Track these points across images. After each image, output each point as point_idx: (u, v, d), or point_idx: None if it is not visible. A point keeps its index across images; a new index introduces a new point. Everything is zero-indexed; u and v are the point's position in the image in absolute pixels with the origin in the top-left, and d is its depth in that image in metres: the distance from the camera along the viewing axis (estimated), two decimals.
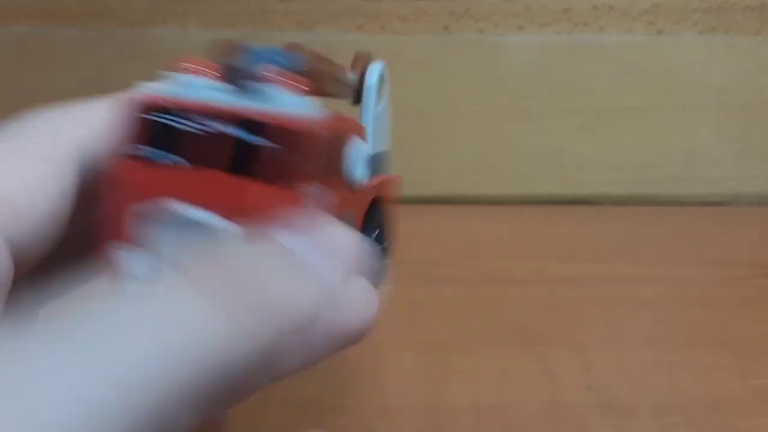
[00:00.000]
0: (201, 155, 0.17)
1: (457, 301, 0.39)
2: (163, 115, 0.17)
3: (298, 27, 0.48)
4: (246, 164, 0.17)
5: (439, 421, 0.30)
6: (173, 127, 0.17)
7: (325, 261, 0.16)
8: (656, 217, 0.50)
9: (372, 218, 0.23)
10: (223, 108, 0.17)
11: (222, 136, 0.17)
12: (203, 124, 0.17)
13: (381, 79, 0.24)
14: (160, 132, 0.17)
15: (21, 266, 0.17)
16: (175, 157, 0.17)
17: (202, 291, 0.14)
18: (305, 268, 0.16)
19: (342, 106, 0.21)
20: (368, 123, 0.23)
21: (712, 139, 0.51)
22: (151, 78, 0.19)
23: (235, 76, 0.18)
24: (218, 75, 0.18)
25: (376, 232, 0.23)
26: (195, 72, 0.18)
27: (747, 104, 0.50)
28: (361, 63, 0.23)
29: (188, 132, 0.17)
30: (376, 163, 0.23)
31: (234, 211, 0.16)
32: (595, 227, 0.49)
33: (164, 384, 0.12)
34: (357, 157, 0.20)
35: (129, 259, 0.17)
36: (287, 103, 0.17)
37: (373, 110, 0.23)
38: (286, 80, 0.18)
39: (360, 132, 0.21)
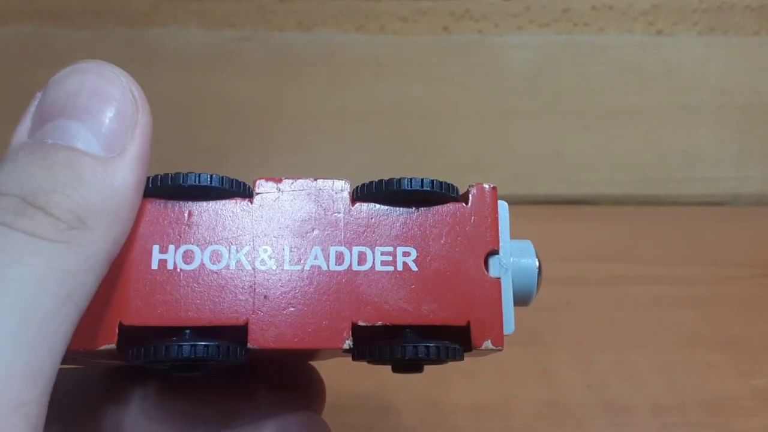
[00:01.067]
0: None
1: None
2: None
3: (298, 27, 0.48)
4: None
5: (439, 419, 0.30)
6: None
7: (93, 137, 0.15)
8: (655, 217, 0.50)
9: None
10: None
11: None
12: None
13: None
14: None
15: None
16: None
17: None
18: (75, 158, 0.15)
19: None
20: None
21: (711, 140, 0.51)
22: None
23: None
24: None
25: None
26: None
27: (746, 104, 0.50)
28: None
29: None
30: None
31: None
32: (594, 227, 0.49)
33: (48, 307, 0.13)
34: None
35: None
36: None
37: None
38: None
39: None
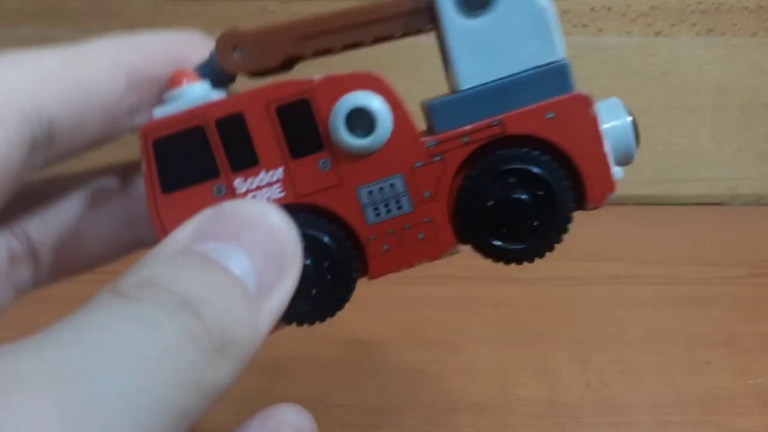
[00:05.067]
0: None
1: (457, 300, 0.39)
2: (162, 138, 0.18)
3: None
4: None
5: (439, 418, 0.30)
6: (175, 144, 0.18)
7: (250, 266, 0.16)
8: (654, 217, 0.50)
9: (489, 170, 0.18)
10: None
11: None
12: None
13: None
14: (167, 153, 0.18)
15: None
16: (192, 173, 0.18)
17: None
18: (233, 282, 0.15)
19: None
20: (450, 45, 0.18)
21: (709, 140, 0.51)
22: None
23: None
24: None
25: (513, 186, 0.18)
26: (183, 82, 0.18)
27: (744, 105, 0.50)
28: None
29: (182, 139, 0.18)
30: (462, 105, 0.18)
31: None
32: (593, 227, 0.49)
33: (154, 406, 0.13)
34: (336, 117, 0.17)
35: None
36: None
37: (455, 25, 0.17)
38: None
39: (363, 83, 0.18)
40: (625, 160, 0.19)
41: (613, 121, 0.19)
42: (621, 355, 0.34)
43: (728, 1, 0.48)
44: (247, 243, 0.16)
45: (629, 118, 0.19)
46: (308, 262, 0.18)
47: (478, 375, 0.33)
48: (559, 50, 0.18)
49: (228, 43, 0.18)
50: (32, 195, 0.20)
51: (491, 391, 0.32)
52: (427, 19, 0.18)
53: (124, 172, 0.22)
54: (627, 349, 0.35)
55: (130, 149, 0.21)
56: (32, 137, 0.17)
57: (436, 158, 0.18)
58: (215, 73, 0.18)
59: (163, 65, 0.19)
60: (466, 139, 0.18)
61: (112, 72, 0.18)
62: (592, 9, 0.48)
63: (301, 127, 0.17)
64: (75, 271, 0.21)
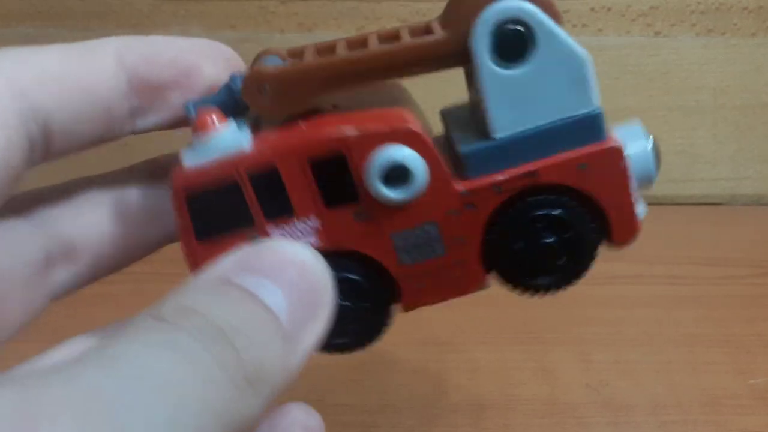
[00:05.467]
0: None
1: (457, 299, 0.39)
2: (195, 194, 0.18)
3: (298, 29, 0.48)
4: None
5: (439, 418, 0.30)
6: (209, 198, 0.18)
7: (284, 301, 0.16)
8: (654, 217, 0.50)
9: (521, 218, 0.18)
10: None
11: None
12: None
13: (509, 26, 0.17)
14: (201, 207, 0.18)
15: None
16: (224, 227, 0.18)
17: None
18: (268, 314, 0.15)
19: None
20: (486, 93, 0.17)
21: (709, 140, 0.51)
22: None
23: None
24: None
25: (543, 233, 0.19)
26: (211, 127, 0.18)
27: (744, 105, 0.50)
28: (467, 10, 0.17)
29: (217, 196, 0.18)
30: (495, 154, 0.18)
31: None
32: None
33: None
34: (372, 171, 0.17)
35: None
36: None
37: (491, 75, 0.17)
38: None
39: (399, 137, 0.17)
40: (646, 184, 0.19)
41: (634, 148, 0.19)
42: (621, 355, 0.34)
43: (728, 1, 0.48)
44: (282, 279, 0.16)
45: (650, 144, 0.19)
46: (347, 303, 0.18)
47: (478, 375, 0.33)
48: (594, 100, 0.18)
49: (254, 83, 0.18)
50: (64, 196, 0.20)
51: (491, 391, 0.32)
52: (461, 61, 0.18)
53: (152, 169, 0.21)
54: (627, 349, 0.35)
55: (156, 147, 0.21)
56: (29, 135, 0.17)
57: (469, 206, 0.18)
58: (234, 101, 0.18)
59: (168, 71, 0.19)
60: (498, 189, 0.18)
61: (114, 73, 0.18)
62: (592, 9, 0.48)
63: (336, 180, 0.18)
64: (109, 271, 0.21)
